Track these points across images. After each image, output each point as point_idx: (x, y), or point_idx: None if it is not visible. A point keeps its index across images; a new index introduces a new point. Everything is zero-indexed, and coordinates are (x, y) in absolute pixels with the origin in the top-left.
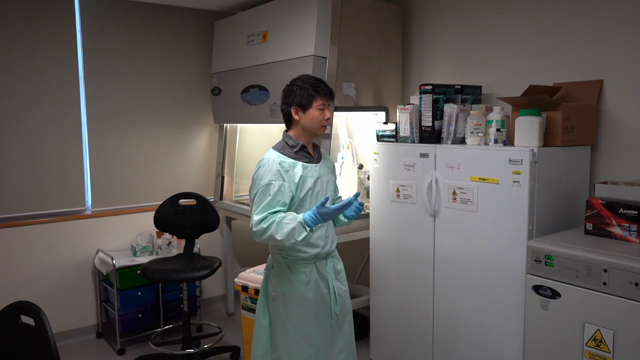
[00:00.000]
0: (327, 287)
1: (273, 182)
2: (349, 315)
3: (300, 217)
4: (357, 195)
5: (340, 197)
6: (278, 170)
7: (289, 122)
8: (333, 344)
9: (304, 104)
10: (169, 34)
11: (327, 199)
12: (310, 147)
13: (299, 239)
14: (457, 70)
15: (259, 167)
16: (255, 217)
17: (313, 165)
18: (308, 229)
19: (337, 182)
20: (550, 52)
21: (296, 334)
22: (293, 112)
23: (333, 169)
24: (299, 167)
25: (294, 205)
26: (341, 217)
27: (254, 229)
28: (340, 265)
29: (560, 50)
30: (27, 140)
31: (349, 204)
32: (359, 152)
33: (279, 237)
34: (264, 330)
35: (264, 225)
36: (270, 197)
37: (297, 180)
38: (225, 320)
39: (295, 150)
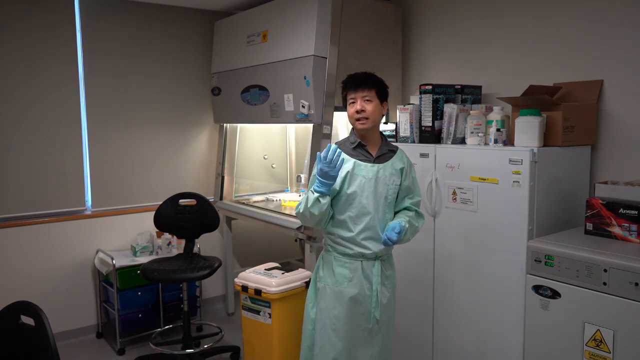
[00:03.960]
0: (371, 289)
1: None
2: (387, 323)
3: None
4: (401, 228)
5: (415, 199)
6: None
7: None
8: (367, 349)
9: (343, 102)
10: (169, 34)
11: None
12: (371, 145)
13: (309, 205)
14: (457, 70)
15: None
16: (299, 205)
17: (369, 164)
18: (316, 194)
19: (411, 184)
20: (550, 52)
21: (331, 329)
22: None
23: (401, 172)
24: (350, 163)
25: (340, 200)
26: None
27: (294, 213)
28: (390, 272)
29: (560, 50)
30: (27, 140)
31: (326, 152)
32: None
33: (299, 210)
34: (311, 321)
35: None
36: (312, 187)
37: (343, 174)
38: (225, 320)
39: (353, 146)
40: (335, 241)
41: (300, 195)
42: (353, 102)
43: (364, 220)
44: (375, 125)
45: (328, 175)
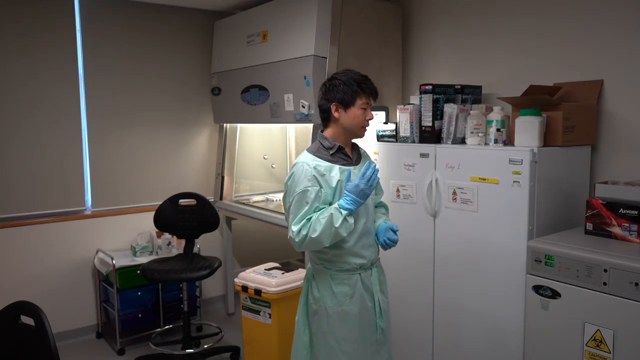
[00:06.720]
0: (372, 300)
1: (309, 188)
2: (388, 330)
3: (335, 204)
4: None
5: (379, 194)
6: (313, 175)
7: (326, 119)
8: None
9: (347, 100)
10: (169, 34)
11: (350, 173)
12: (348, 148)
13: (337, 224)
14: (457, 70)
15: (293, 173)
16: (294, 228)
17: (352, 168)
18: (344, 212)
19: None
20: (550, 52)
21: (340, 351)
22: (333, 109)
23: None
24: (335, 171)
25: None
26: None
27: (296, 240)
28: (383, 276)
29: (560, 50)
30: (27, 140)
31: (370, 170)
32: None
33: (314, 235)
34: (305, 345)
35: (304, 232)
36: (308, 206)
37: (334, 184)
38: (225, 320)
39: (331, 152)
40: (329, 258)
41: None
42: (365, 108)
43: (359, 228)
44: None
45: (365, 194)
